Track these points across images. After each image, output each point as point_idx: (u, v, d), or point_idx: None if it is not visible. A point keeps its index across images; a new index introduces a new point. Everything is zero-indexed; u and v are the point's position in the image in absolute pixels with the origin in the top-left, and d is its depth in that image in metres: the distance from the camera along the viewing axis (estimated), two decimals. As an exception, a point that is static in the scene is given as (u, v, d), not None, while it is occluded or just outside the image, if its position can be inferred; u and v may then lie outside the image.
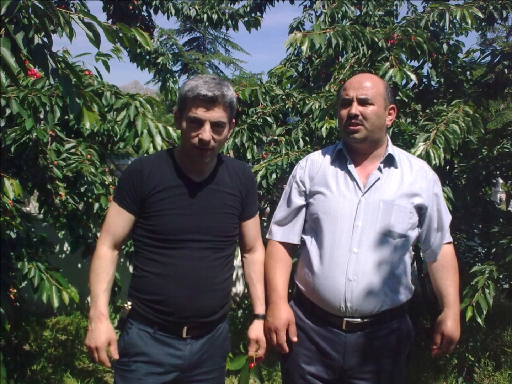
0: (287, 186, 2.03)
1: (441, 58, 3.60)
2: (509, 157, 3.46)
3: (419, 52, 3.25)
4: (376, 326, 1.85)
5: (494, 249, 3.06)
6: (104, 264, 1.78)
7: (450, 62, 3.69)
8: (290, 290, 1.99)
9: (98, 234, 2.04)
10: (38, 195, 3.08)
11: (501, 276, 2.81)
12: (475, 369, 3.30)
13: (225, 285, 1.84)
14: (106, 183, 3.15)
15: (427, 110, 3.72)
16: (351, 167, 1.88)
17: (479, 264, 2.95)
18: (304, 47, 3.10)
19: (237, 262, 2.19)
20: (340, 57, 4.04)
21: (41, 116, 2.63)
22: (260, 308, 1.93)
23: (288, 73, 4.17)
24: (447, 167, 3.62)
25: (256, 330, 1.91)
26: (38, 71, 2.89)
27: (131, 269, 2.20)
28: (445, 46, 3.57)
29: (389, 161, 1.90)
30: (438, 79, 3.70)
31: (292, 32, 3.62)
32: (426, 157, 2.78)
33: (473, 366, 3.25)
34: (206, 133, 1.68)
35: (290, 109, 3.78)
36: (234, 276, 2.00)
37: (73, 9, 3.41)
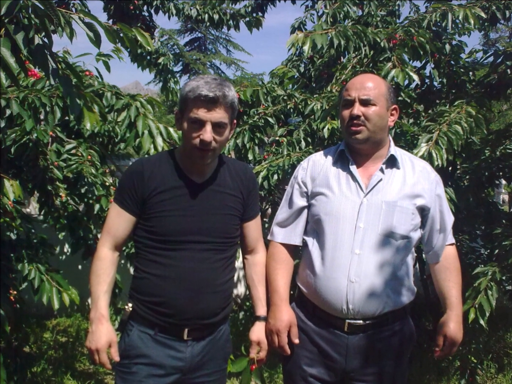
0: (289, 187, 2.02)
1: (443, 58, 3.59)
2: (512, 158, 3.46)
3: (421, 53, 3.24)
4: (378, 328, 1.84)
5: (497, 251, 3.06)
6: (105, 265, 1.77)
7: (452, 62, 3.68)
8: (291, 292, 1.98)
9: (99, 236, 2.03)
10: (38, 196, 3.07)
11: (504, 278, 2.81)
12: (477, 371, 3.28)
13: (226, 286, 1.83)
14: (107, 184, 3.14)
15: (430, 111, 3.72)
16: (353, 168, 1.87)
17: (482, 266, 2.95)
18: (306, 48, 3.10)
19: (238, 263, 2.18)
20: (342, 58, 4.04)
21: (41, 117, 2.62)
22: (261, 310, 1.93)
23: (289, 74, 4.16)
24: (450, 168, 3.61)
25: (257, 332, 1.90)
26: (38, 72, 2.88)
27: (131, 270, 2.20)
28: (447, 47, 3.56)
29: (391, 162, 1.89)
30: (440, 79, 3.69)
31: (294, 32, 3.63)
32: (428, 158, 2.77)
33: (476, 368, 3.23)
34: (207, 133, 1.67)
35: (291, 110, 3.77)
36: (235, 278, 1.99)
37: (73, 9, 3.42)
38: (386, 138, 1.91)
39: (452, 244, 2.00)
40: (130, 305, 1.80)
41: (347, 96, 1.87)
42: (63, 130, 3.21)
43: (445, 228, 1.95)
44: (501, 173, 3.62)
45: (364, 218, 1.81)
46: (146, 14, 4.89)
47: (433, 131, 2.94)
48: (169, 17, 5.14)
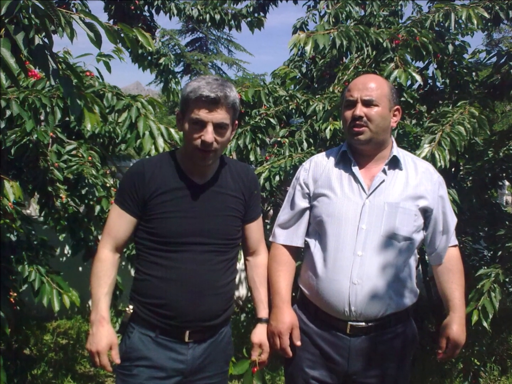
0: (291, 189, 2.01)
1: (446, 59, 3.58)
2: (515, 159, 3.45)
3: (424, 53, 3.24)
4: (381, 330, 1.83)
5: (500, 252, 3.05)
6: (106, 267, 1.77)
7: (455, 63, 3.68)
8: (293, 294, 1.98)
9: (99, 237, 2.02)
10: (39, 197, 3.06)
11: (507, 280, 2.81)
12: (481, 374, 3.28)
13: (227, 288, 1.82)
14: (108, 185, 3.13)
15: (432, 112, 3.70)
16: (355, 169, 1.86)
17: (485, 267, 2.94)
18: (308, 48, 3.09)
19: (240, 265, 2.17)
20: (344, 58, 4.03)
21: (42, 118, 2.62)
22: (263, 312, 1.92)
23: (291, 74, 4.15)
24: (453, 169, 3.60)
25: (259, 334, 1.89)
26: (38, 72, 2.87)
27: (132, 272, 2.19)
28: (450, 47, 3.56)
29: (394, 163, 1.88)
30: (443, 80, 3.69)
31: (296, 32, 3.62)
32: (431, 159, 2.76)
33: (479, 371, 3.23)
34: (209, 134, 1.66)
35: (293, 111, 3.77)
36: (237, 280, 1.98)
37: (74, 9, 3.41)
38: (388, 139, 1.90)
39: (455, 246, 1.99)
40: (131, 307, 1.79)
41: (349, 97, 1.86)
42: (64, 131, 3.21)
43: (448, 229, 1.94)
44: (504, 174, 3.62)
45: (367, 219, 1.80)
46: (147, 14, 4.90)
47: (436, 132, 2.93)
48: (170, 17, 5.15)
